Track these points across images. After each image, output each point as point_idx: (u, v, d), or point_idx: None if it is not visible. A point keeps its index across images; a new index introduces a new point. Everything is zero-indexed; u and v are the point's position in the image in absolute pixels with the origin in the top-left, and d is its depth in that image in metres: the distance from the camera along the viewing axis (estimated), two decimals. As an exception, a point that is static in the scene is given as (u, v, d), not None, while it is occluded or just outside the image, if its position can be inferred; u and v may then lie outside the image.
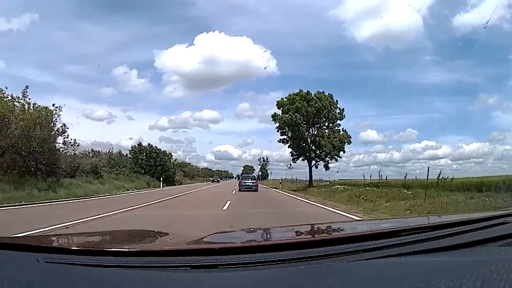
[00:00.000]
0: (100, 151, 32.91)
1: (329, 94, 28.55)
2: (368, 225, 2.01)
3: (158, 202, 12.92)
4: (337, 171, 31.31)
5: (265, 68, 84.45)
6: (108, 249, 1.02)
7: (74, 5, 67.95)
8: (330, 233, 1.47)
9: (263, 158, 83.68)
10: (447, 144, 68.88)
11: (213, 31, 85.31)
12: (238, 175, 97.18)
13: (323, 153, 27.93)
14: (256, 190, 21.98)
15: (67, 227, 6.05)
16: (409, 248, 0.94)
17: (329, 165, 29.09)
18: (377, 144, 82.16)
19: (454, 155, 59.18)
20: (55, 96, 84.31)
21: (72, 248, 1.00)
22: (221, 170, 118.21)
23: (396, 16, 57.16)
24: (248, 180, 23.56)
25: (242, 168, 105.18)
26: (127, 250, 1.05)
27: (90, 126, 73.41)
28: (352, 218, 7.82)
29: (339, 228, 1.81)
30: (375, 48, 65.70)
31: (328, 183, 30.54)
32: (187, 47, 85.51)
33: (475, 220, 1.23)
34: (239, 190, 21.73)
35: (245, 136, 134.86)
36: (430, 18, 56.69)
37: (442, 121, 66.38)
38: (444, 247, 0.94)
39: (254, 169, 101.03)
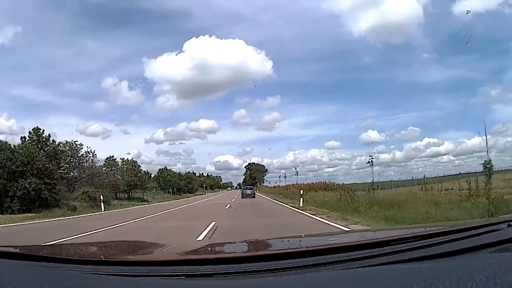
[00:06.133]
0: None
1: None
2: (361, 235, 2.02)
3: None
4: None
5: (254, 86, 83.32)
6: (105, 259, 1.04)
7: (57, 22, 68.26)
8: (323, 243, 1.48)
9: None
10: (449, 140, 70.40)
11: (203, 35, 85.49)
12: (239, 184, 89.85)
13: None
14: (253, 197, 29.42)
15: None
16: (400, 256, 0.96)
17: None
18: (379, 144, 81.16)
19: (456, 150, 59.46)
20: (50, 114, 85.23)
21: (71, 257, 1.03)
22: (204, 175, 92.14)
23: (395, 5, 57.69)
24: (248, 190, 32.58)
25: (246, 170, 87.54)
26: (123, 260, 1.07)
27: (86, 142, 72.23)
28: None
29: (332, 238, 1.83)
30: (374, 43, 66.90)
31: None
32: (177, 54, 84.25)
33: (467, 228, 1.26)
34: (242, 198, 28.83)
35: (244, 144, 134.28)
36: (431, 6, 57.92)
37: (443, 117, 67.19)
38: (434, 255, 0.96)
39: (267, 170, 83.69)
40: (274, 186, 54.83)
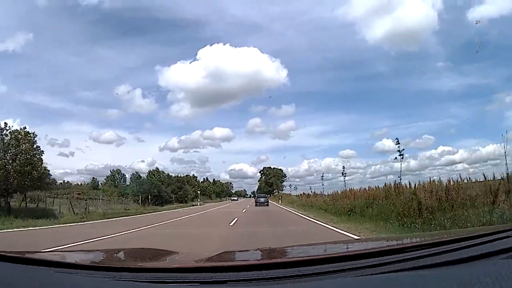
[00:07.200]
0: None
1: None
2: (373, 243, 2.04)
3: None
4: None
5: (270, 97, 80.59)
6: (119, 266, 1.06)
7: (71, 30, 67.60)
8: (336, 251, 1.49)
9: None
10: (464, 148, 68.78)
11: (217, 43, 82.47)
12: (253, 192, 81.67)
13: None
14: (267, 205, 29.49)
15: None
16: (412, 263, 0.97)
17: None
18: (394, 153, 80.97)
19: (471, 158, 56.73)
20: (63, 121, 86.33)
21: (84, 264, 1.05)
22: (207, 180, 77.83)
23: (410, 12, 56.19)
24: (261, 198, 32.97)
25: (260, 175, 79.56)
26: (137, 266, 1.08)
27: (101, 150, 72.53)
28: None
29: (344, 246, 1.85)
30: (388, 51, 66.23)
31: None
32: (190, 62, 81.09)
33: (478, 235, 1.25)
34: (255, 205, 29.65)
35: (259, 153, 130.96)
36: (445, 13, 57.44)
37: (458, 125, 66.94)
38: (445, 262, 0.97)
39: (285, 176, 75.16)
40: (308, 194, 29.65)
